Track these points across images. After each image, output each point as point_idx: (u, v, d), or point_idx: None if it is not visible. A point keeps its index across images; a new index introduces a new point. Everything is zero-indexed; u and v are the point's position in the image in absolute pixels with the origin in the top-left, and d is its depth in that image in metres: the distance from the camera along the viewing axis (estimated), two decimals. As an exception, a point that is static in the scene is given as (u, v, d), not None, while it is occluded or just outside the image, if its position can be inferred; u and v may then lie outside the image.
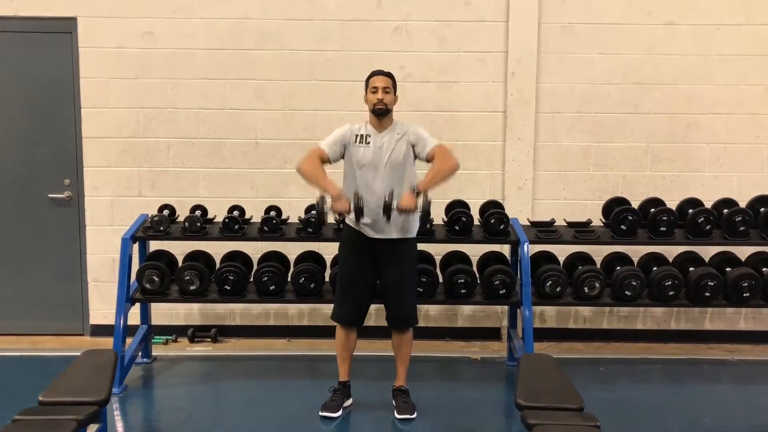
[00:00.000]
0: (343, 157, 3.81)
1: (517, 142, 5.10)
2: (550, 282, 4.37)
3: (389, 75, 3.82)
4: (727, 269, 4.55)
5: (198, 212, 4.67)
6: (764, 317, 5.24)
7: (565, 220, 4.79)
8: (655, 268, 4.55)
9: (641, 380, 4.59)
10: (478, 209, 4.74)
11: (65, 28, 5.04)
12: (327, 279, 4.48)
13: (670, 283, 4.38)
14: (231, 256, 4.69)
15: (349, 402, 3.96)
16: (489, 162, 5.16)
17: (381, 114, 3.74)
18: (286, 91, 5.10)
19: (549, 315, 5.26)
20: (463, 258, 4.73)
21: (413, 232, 3.87)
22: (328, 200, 3.66)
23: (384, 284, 3.83)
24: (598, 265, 4.75)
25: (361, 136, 3.76)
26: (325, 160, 3.77)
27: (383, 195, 3.60)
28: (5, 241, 5.21)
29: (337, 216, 3.67)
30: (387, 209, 3.54)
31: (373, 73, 3.83)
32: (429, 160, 3.73)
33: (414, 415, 3.81)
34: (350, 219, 3.79)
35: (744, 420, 3.88)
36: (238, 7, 5.03)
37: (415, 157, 3.80)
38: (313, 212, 4.55)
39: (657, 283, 4.39)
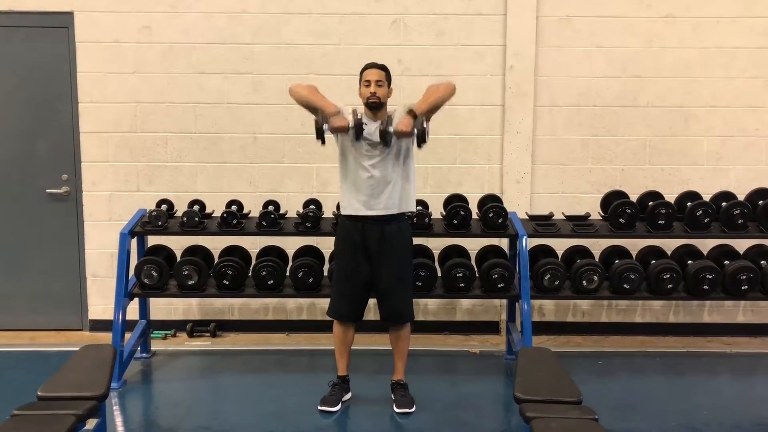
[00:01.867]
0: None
1: (515, 135, 5.09)
2: (548, 275, 4.37)
3: (383, 67, 3.79)
4: (726, 262, 4.56)
5: (196, 207, 4.66)
6: (762, 310, 5.25)
7: (563, 213, 4.78)
8: (653, 262, 4.55)
9: (639, 373, 4.60)
10: (476, 203, 4.74)
11: (62, 23, 5.03)
12: (325, 273, 4.47)
13: (668, 276, 4.38)
14: (229, 251, 4.69)
15: (348, 396, 3.96)
16: (487, 156, 5.15)
17: (374, 108, 3.72)
18: (283, 86, 4.99)
19: (547, 308, 5.27)
20: (461, 252, 4.73)
21: (408, 206, 3.82)
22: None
23: (378, 279, 3.81)
24: (597, 259, 4.75)
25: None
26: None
27: (376, 185, 3.64)
28: (3, 237, 5.20)
29: (337, 133, 3.55)
30: (384, 133, 3.49)
31: (366, 66, 3.80)
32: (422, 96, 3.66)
33: (413, 409, 3.82)
34: (346, 204, 3.75)
35: (742, 412, 3.88)
36: (236, 0, 5.02)
37: (418, 138, 3.65)
38: (311, 207, 4.55)
39: (655, 276, 4.39)
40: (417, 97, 4.96)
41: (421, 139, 3.59)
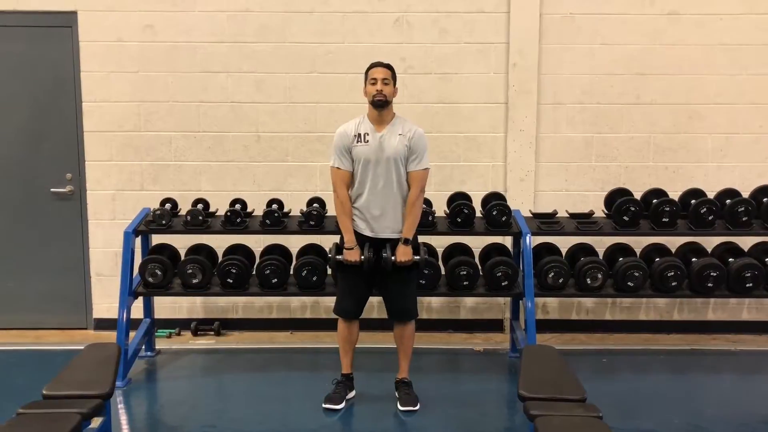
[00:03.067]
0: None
1: (518, 133, 5.09)
2: (552, 273, 4.37)
3: (389, 66, 3.80)
4: (730, 260, 4.55)
5: (200, 206, 4.67)
6: (767, 307, 5.23)
7: (567, 211, 4.78)
8: (657, 259, 4.54)
9: (644, 371, 4.59)
10: (480, 201, 4.74)
11: (65, 22, 5.03)
12: (329, 272, 4.48)
13: (672, 273, 4.37)
14: (233, 250, 4.70)
15: (352, 394, 3.97)
16: (491, 154, 5.15)
17: (380, 106, 3.72)
18: (287, 84, 5.09)
19: (551, 306, 5.26)
20: (465, 250, 4.73)
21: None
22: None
23: (383, 276, 3.82)
24: (601, 257, 4.75)
25: (359, 135, 3.75)
26: (348, 178, 3.80)
27: (381, 190, 3.71)
28: (8, 237, 5.21)
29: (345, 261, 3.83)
30: (387, 263, 3.71)
31: (373, 65, 3.81)
32: (408, 175, 3.79)
33: (417, 407, 3.82)
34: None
35: (747, 410, 3.88)
36: (239, -1, 5.03)
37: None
38: (315, 205, 4.56)
39: (659, 274, 4.39)
40: (419, 95, 5.04)
41: (424, 261, 3.91)
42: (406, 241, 3.75)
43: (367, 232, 3.80)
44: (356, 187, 3.79)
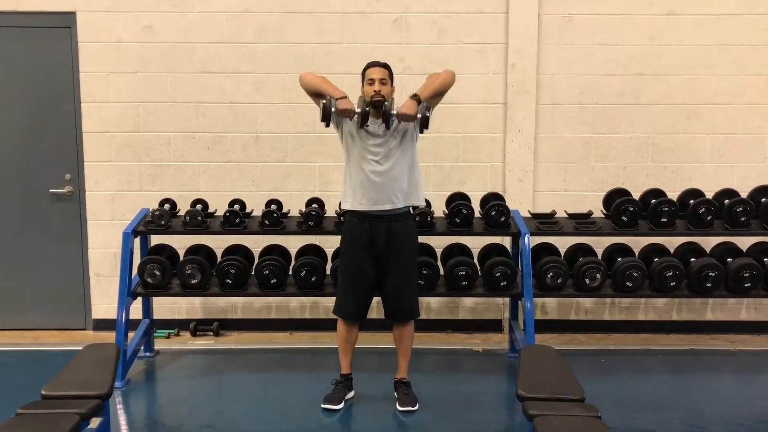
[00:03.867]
0: (337, 125, 3.76)
1: (517, 133, 5.09)
2: (551, 274, 4.37)
3: (385, 66, 3.80)
4: (729, 260, 4.56)
5: (199, 206, 4.67)
6: (766, 307, 5.24)
7: (565, 211, 4.78)
8: (656, 259, 4.54)
9: (643, 371, 4.59)
10: (478, 201, 4.74)
11: (64, 23, 5.04)
12: (328, 272, 4.48)
13: (671, 274, 4.38)
14: (232, 250, 4.70)
15: (351, 394, 3.97)
16: (489, 154, 5.15)
17: (378, 106, 3.72)
18: (286, 84, 5.09)
19: (550, 306, 5.26)
20: (464, 250, 4.73)
21: (413, 199, 3.80)
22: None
23: (383, 277, 3.82)
24: (599, 257, 4.75)
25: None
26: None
27: (380, 177, 3.65)
28: (7, 237, 5.21)
29: (343, 115, 3.64)
30: (387, 115, 3.55)
31: (369, 65, 3.80)
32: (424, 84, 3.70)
33: (416, 407, 3.82)
34: (351, 201, 3.76)
35: (746, 410, 3.88)
36: (237, 0, 5.02)
37: (420, 124, 3.69)
38: (314, 206, 4.55)
39: (658, 274, 4.39)
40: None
41: (424, 125, 3.65)
42: (415, 97, 3.61)
43: (368, 207, 3.71)
44: (352, 172, 3.75)
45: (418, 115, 3.61)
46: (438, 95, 3.79)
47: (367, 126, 3.67)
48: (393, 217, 3.75)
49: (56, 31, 5.07)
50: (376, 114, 3.71)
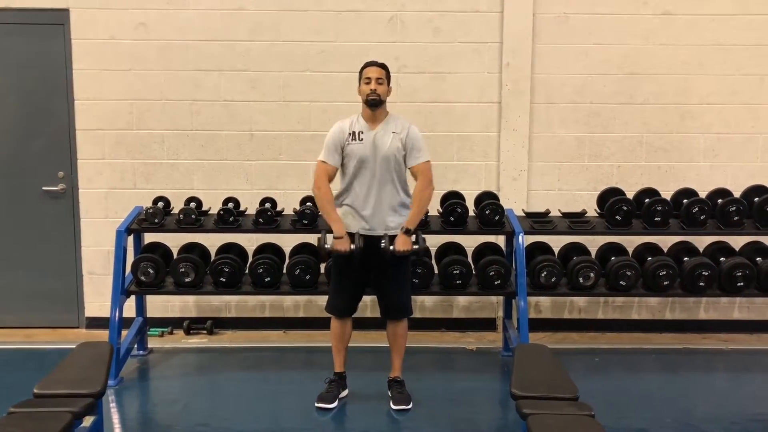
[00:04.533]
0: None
1: (512, 133, 5.09)
2: (545, 272, 4.38)
3: (383, 66, 3.81)
4: (722, 259, 4.57)
5: (193, 204, 4.66)
6: (758, 306, 5.26)
7: (559, 210, 4.79)
8: (649, 258, 4.56)
9: (636, 370, 4.61)
10: (473, 200, 4.75)
11: (58, 20, 5.01)
12: (322, 271, 4.47)
13: (664, 273, 4.39)
14: (226, 248, 4.69)
15: (344, 393, 3.97)
16: (484, 153, 5.15)
17: (374, 105, 3.73)
18: (280, 83, 5.08)
19: (544, 305, 5.27)
20: (458, 249, 4.73)
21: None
22: (329, 238, 3.78)
23: (377, 275, 3.83)
24: (593, 256, 4.76)
25: (354, 133, 3.75)
26: (332, 173, 3.81)
27: (374, 189, 3.69)
28: (-1, 234, 5.20)
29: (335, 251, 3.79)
30: (385, 252, 3.69)
31: (367, 64, 3.81)
32: (411, 171, 3.80)
33: (410, 406, 3.83)
34: (344, 213, 3.83)
35: (738, 409, 3.90)
36: (232, -3, 5.02)
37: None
38: (308, 204, 4.55)
39: (651, 273, 4.40)
40: (413, 95, 5.03)
41: (422, 253, 3.94)
42: (407, 231, 3.73)
43: (359, 229, 3.78)
44: (348, 184, 3.78)
45: (415, 247, 3.76)
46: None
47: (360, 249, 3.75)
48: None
49: (49, 27, 5.04)
50: (372, 113, 3.75)
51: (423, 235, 3.86)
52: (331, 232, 3.80)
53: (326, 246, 3.76)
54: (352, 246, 3.71)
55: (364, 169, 3.73)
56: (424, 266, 4.36)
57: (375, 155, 3.72)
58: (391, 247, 3.69)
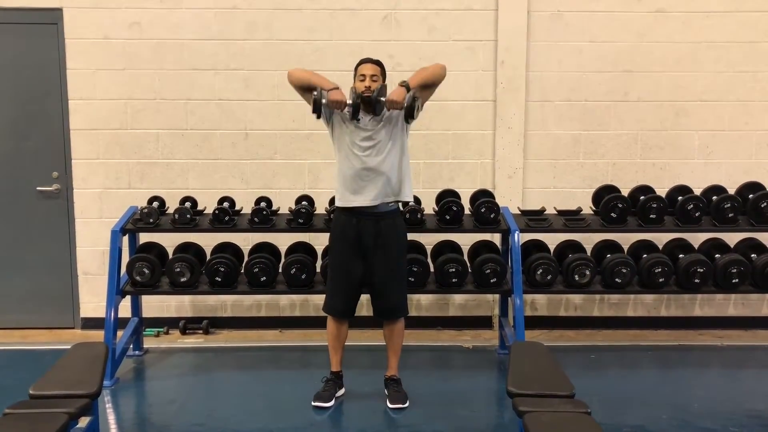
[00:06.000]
0: (328, 119, 3.76)
1: (507, 131, 5.10)
2: (540, 270, 4.38)
3: (377, 63, 3.80)
4: (717, 256, 4.58)
5: (188, 204, 4.65)
6: (753, 303, 5.28)
7: (555, 208, 4.80)
8: (645, 256, 4.56)
9: (632, 367, 4.62)
10: (468, 198, 4.75)
11: (51, 19, 4.99)
12: (318, 270, 4.47)
13: (660, 270, 4.40)
14: (221, 248, 4.68)
15: (341, 392, 3.97)
16: (479, 151, 5.16)
17: (369, 102, 3.71)
18: (275, 81, 5.07)
19: (540, 303, 5.28)
20: (453, 247, 4.73)
21: (403, 195, 3.78)
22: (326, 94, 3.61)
23: (372, 274, 3.81)
24: (589, 253, 4.76)
25: (354, 110, 3.70)
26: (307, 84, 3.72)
27: (365, 175, 3.64)
28: (-6, 235, 5.18)
29: (335, 107, 3.63)
30: (375, 101, 3.55)
31: (362, 61, 3.81)
32: (416, 91, 3.65)
33: (406, 404, 3.83)
34: (341, 197, 3.75)
35: (734, 405, 3.90)
36: (226, -4, 5.01)
37: (408, 113, 3.64)
38: (303, 203, 4.54)
39: (647, 270, 4.41)
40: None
41: (410, 113, 3.59)
42: (403, 83, 3.62)
43: (358, 203, 3.71)
44: (342, 164, 3.74)
45: (406, 103, 3.57)
46: (428, 87, 3.77)
47: (358, 120, 3.66)
48: (381, 215, 3.75)
49: (43, 27, 5.02)
50: (367, 109, 3.71)
51: (419, 97, 3.61)
52: (320, 90, 3.63)
53: (323, 101, 3.59)
54: (349, 101, 3.59)
55: (359, 154, 3.68)
56: (420, 264, 4.36)
57: (373, 134, 3.68)
58: (383, 98, 3.57)
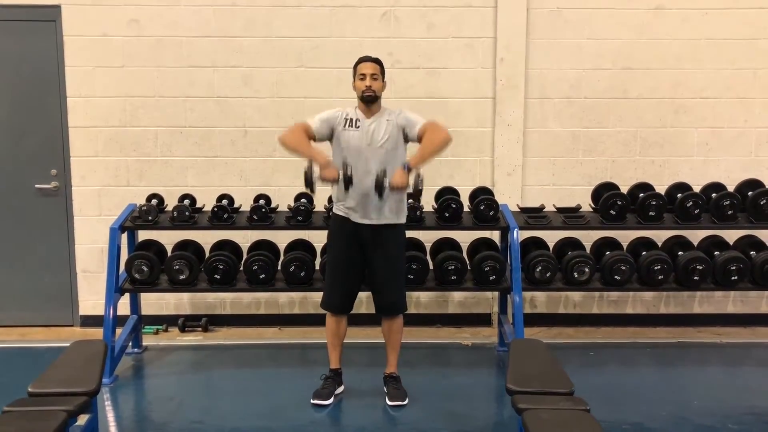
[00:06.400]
0: (329, 139, 3.79)
1: (506, 128, 5.09)
2: (539, 267, 4.38)
3: (377, 61, 3.80)
4: (716, 253, 4.58)
5: (186, 201, 4.64)
6: (752, 300, 5.28)
7: (554, 205, 4.79)
8: (644, 253, 4.56)
9: (631, 364, 4.62)
10: (467, 196, 4.74)
11: (49, 16, 4.98)
12: (317, 267, 4.47)
13: (659, 267, 4.40)
14: (220, 245, 4.67)
15: (340, 389, 3.96)
16: (478, 148, 5.15)
17: (369, 101, 3.72)
18: (274, 79, 5.07)
19: (539, 300, 5.28)
20: (453, 244, 4.73)
21: (401, 218, 3.85)
22: (316, 169, 3.59)
23: (371, 271, 3.82)
24: (588, 251, 4.77)
25: (351, 120, 3.74)
26: (310, 136, 3.73)
27: (371, 179, 3.62)
28: (-8, 233, 5.17)
29: (327, 183, 3.61)
30: (379, 187, 3.52)
31: (361, 60, 3.80)
32: (420, 138, 3.70)
33: (405, 402, 3.83)
34: (338, 206, 3.80)
35: (732, 402, 3.91)
36: (225, -7, 5.00)
37: (407, 140, 3.78)
38: (302, 200, 4.54)
39: (646, 267, 4.41)
40: (407, 90, 5.02)
41: (417, 194, 3.59)
42: (407, 168, 3.58)
43: (357, 219, 3.75)
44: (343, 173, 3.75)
45: (410, 189, 3.57)
46: (430, 160, 3.69)
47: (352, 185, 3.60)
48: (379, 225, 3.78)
49: (41, 24, 5.01)
50: (367, 109, 3.73)
51: (423, 178, 3.57)
52: (311, 165, 3.59)
53: (314, 177, 3.55)
54: (341, 173, 3.56)
55: (359, 158, 3.70)
56: (419, 262, 4.36)
57: (371, 144, 3.70)
58: (387, 181, 3.54)
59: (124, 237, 4.50)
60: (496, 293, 4.94)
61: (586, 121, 5.16)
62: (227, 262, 4.36)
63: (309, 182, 3.55)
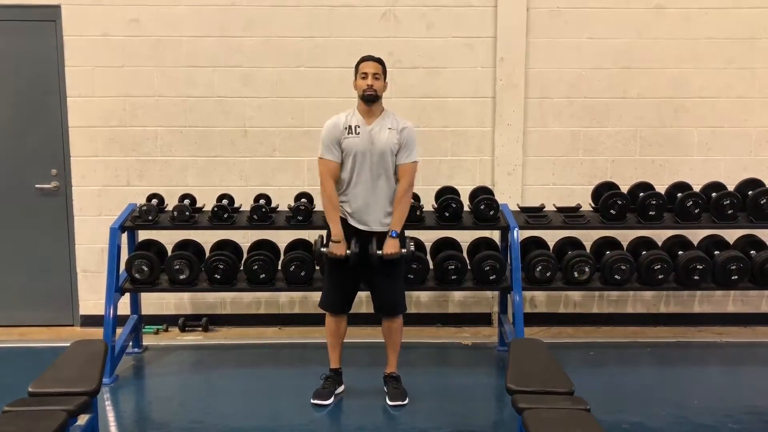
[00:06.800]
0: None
1: (506, 127, 5.09)
2: (540, 267, 4.38)
3: (379, 61, 3.80)
4: (716, 252, 4.58)
5: (187, 201, 4.64)
6: (752, 300, 5.28)
7: (554, 205, 4.79)
8: (644, 252, 4.56)
9: (631, 363, 4.62)
10: (467, 195, 4.74)
11: (49, 16, 4.98)
12: (317, 267, 4.46)
13: (659, 266, 4.40)
14: (220, 245, 4.67)
15: (340, 389, 3.97)
16: (478, 148, 5.15)
17: (370, 100, 3.72)
18: (274, 79, 5.07)
19: (539, 300, 5.28)
20: (453, 244, 4.73)
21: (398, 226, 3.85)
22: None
23: (371, 271, 3.82)
24: (588, 250, 4.77)
25: (351, 127, 3.74)
26: (335, 170, 3.77)
27: (370, 183, 3.68)
28: (-8, 233, 5.17)
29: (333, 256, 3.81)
30: (373, 257, 3.70)
31: (363, 59, 3.80)
32: (397, 168, 3.79)
33: (406, 402, 3.83)
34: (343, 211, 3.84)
35: (733, 401, 3.91)
36: (225, -7, 4.99)
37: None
38: (303, 200, 4.54)
39: (646, 266, 4.41)
40: (407, 90, 5.03)
41: (412, 257, 3.88)
42: (393, 234, 3.74)
43: (355, 224, 3.78)
44: (345, 178, 3.77)
45: (403, 251, 3.76)
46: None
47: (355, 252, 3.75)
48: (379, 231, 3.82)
49: (41, 24, 5.01)
50: (368, 108, 3.75)
51: (412, 240, 3.87)
52: (323, 237, 3.82)
53: (322, 250, 3.77)
54: (348, 251, 3.71)
55: (360, 164, 3.72)
56: (420, 261, 4.36)
57: (372, 150, 3.71)
58: (379, 252, 3.71)
59: (124, 237, 4.50)
60: (496, 293, 4.94)
61: (586, 120, 5.16)
62: (227, 261, 4.36)
63: (317, 255, 3.86)
